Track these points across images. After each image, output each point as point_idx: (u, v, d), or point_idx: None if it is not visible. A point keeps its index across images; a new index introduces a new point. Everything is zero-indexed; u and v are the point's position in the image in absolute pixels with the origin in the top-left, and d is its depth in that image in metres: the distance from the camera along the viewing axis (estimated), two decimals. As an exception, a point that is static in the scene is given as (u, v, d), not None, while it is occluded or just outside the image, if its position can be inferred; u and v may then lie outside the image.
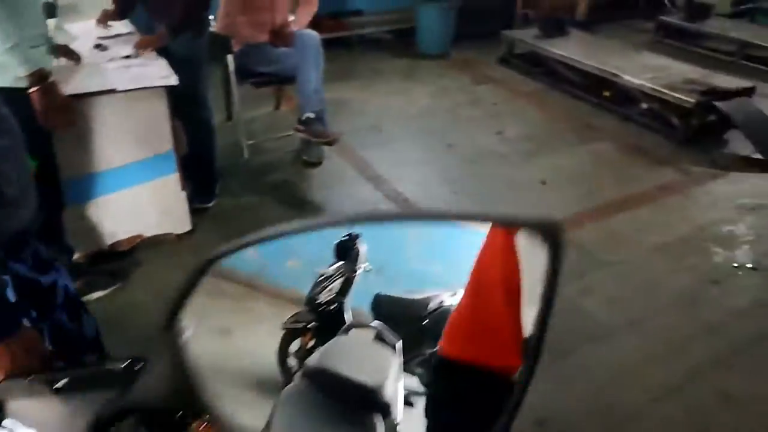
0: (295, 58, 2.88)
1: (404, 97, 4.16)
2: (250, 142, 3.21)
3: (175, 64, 2.33)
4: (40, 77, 1.76)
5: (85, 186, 2.25)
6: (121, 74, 2.25)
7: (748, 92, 3.61)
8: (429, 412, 0.57)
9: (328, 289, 0.59)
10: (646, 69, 3.92)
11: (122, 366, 0.57)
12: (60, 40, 2.31)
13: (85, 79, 2.18)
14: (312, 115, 2.92)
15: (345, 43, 5.12)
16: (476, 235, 0.51)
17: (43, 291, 1.31)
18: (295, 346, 0.58)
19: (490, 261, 0.51)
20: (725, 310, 2.20)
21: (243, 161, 3.16)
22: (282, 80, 3.19)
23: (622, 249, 2.53)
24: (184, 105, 2.43)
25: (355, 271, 0.58)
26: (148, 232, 2.44)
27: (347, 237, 0.55)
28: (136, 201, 2.38)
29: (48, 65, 1.86)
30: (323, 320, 0.59)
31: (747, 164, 3.26)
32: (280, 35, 2.92)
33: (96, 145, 2.20)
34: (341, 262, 0.57)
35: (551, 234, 0.40)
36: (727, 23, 5.40)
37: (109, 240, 2.36)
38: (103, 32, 2.68)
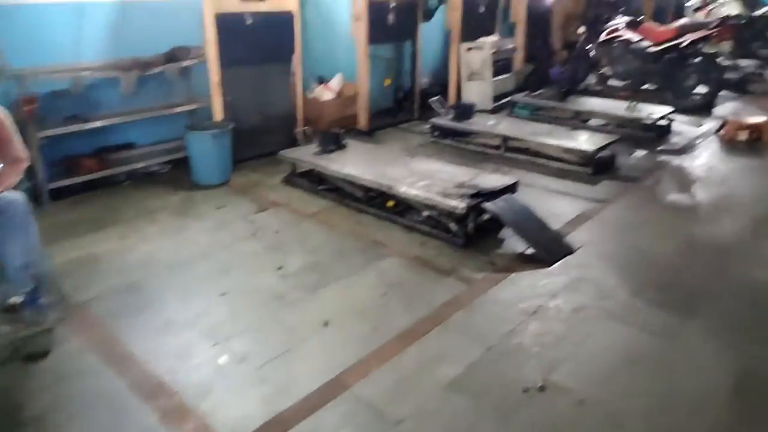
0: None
1: (176, 238, 3.67)
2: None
3: None
4: None
5: None
6: None
7: (512, 188, 3.79)
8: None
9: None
10: (421, 176, 3.96)
11: None
12: None
13: None
14: (21, 299, 2.29)
15: (112, 182, 4.54)
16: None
17: None
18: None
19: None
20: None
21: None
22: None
23: (412, 398, 2.25)
24: None
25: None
26: None
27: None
28: None
29: None
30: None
31: (523, 262, 3.32)
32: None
33: None
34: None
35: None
36: (490, 120, 5.93)
37: None
38: None
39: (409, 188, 3.77)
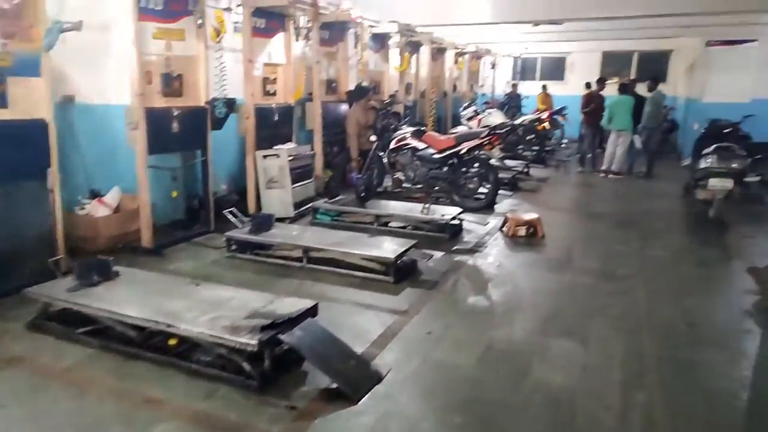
0: None
1: None
2: None
3: None
4: None
5: None
6: None
7: (312, 312, 3.45)
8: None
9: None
10: (207, 307, 3.42)
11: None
12: None
13: None
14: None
15: None
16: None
17: None
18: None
19: None
20: None
21: None
22: None
23: None
24: None
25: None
26: None
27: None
28: None
29: None
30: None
31: (328, 401, 2.92)
32: None
33: None
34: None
35: None
36: (291, 229, 5.67)
37: None
38: None
39: (192, 325, 3.19)
